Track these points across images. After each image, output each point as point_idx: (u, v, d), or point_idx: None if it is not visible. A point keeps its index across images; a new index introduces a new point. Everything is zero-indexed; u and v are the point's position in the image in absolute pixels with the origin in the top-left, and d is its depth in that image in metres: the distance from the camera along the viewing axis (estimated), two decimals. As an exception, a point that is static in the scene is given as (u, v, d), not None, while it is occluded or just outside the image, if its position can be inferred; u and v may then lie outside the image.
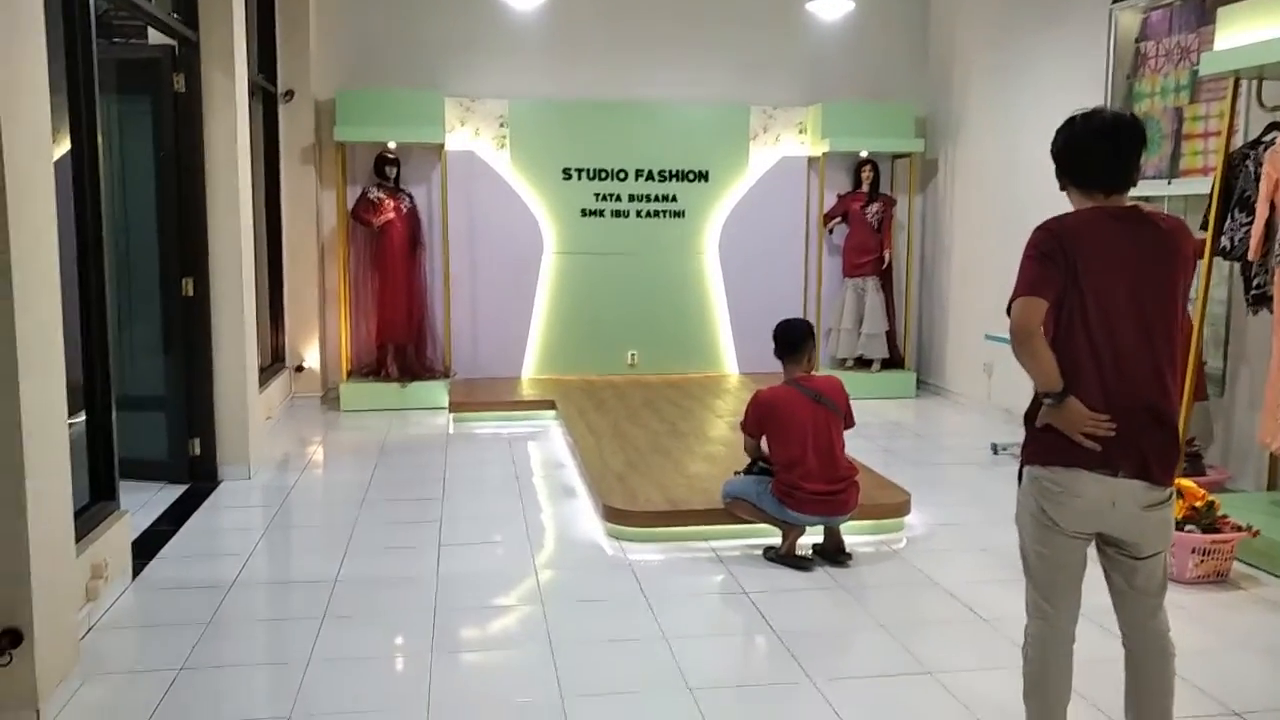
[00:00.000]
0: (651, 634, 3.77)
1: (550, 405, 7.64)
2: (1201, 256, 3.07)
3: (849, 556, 4.56)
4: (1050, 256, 2.39)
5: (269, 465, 6.23)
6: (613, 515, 4.91)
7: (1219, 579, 4.27)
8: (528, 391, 8.15)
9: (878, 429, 7.42)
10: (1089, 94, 6.58)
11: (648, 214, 8.69)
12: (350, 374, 8.19)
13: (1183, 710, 2.77)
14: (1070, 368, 2.41)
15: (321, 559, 4.58)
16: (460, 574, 4.40)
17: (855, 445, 6.18)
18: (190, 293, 5.69)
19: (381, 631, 3.82)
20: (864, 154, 8.60)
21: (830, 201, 8.77)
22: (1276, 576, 4.33)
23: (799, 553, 4.53)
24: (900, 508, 5.10)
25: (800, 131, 8.83)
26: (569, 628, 3.81)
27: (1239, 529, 4.33)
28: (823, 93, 8.79)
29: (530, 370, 8.69)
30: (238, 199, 5.75)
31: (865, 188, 8.63)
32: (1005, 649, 3.63)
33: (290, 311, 8.14)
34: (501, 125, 8.41)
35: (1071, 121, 2.51)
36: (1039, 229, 2.45)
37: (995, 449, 6.68)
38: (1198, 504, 4.33)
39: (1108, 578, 2.58)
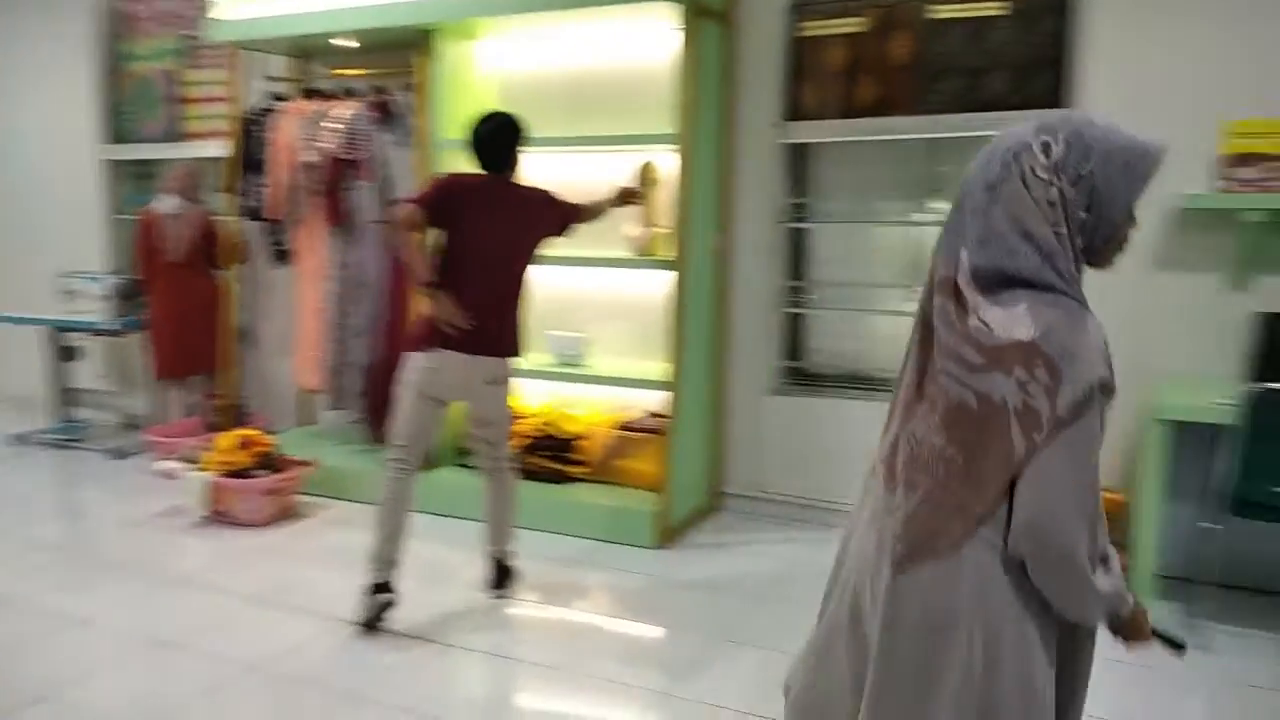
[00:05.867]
0: None
1: None
2: (579, 218, 3.71)
3: None
4: (442, 190, 3.40)
5: None
6: None
7: (291, 515, 4.62)
8: None
9: None
10: (77, 56, 6.21)
11: None
12: None
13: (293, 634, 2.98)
14: (453, 278, 3.37)
15: None
16: None
17: None
18: None
19: None
20: None
21: None
22: (333, 498, 4.86)
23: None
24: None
25: None
26: None
27: (300, 464, 4.74)
28: None
29: None
30: None
31: None
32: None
33: None
34: None
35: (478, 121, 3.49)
36: (448, 174, 3.55)
37: (21, 439, 5.98)
38: (265, 450, 4.61)
39: (471, 436, 3.72)
